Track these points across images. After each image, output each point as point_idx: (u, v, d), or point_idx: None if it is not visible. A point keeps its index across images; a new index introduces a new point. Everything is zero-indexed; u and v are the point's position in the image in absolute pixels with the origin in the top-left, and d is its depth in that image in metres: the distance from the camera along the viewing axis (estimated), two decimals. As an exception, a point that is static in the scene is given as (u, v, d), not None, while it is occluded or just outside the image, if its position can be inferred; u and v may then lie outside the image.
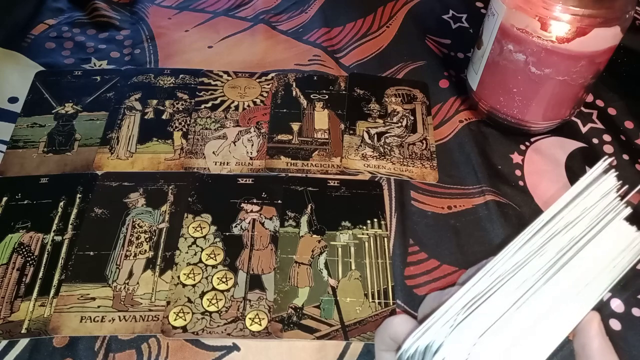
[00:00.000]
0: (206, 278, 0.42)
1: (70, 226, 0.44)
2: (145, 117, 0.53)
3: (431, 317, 0.22)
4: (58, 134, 0.51)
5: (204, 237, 0.44)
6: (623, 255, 0.24)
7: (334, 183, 0.49)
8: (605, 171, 0.25)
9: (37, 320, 0.39)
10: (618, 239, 0.24)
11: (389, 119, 0.55)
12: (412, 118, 0.55)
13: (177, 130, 0.52)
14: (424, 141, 0.53)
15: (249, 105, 0.55)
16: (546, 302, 0.22)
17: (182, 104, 0.54)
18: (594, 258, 0.23)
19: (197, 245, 0.44)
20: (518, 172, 0.51)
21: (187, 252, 0.43)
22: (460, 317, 0.21)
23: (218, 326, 0.39)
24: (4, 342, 0.38)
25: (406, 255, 0.44)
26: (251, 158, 0.51)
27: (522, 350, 0.21)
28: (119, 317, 0.39)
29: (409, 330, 0.24)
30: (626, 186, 0.25)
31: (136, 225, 0.45)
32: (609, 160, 0.25)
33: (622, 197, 0.25)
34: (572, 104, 0.51)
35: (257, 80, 0.57)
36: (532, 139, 0.54)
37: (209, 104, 0.55)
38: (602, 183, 0.24)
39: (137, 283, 0.41)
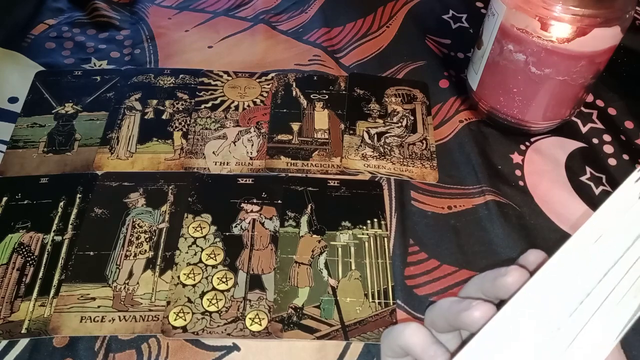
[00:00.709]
0: (206, 278, 0.42)
1: (70, 226, 0.44)
2: (145, 117, 0.53)
3: (464, 348, 0.20)
4: (58, 134, 0.51)
5: (204, 237, 0.44)
6: None
7: (334, 183, 0.49)
8: (637, 180, 0.23)
9: (37, 320, 0.39)
10: None
11: (389, 119, 0.55)
12: (412, 118, 0.55)
13: (177, 130, 0.52)
14: (424, 141, 0.53)
15: (249, 105, 0.55)
16: (582, 328, 0.20)
17: (182, 104, 0.54)
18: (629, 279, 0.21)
19: (197, 245, 0.44)
20: (518, 172, 0.51)
21: (187, 252, 0.43)
22: (497, 348, 0.20)
23: (218, 326, 0.39)
24: (4, 342, 0.38)
25: (406, 255, 0.44)
26: (251, 158, 0.51)
27: None
28: (119, 317, 0.39)
29: (422, 342, 0.23)
30: None
31: (136, 225, 0.45)
32: None
33: None
34: (572, 104, 0.51)
35: (257, 80, 0.57)
36: (532, 139, 0.54)
37: (209, 104, 0.55)
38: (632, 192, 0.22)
39: (137, 283, 0.41)
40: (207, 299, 0.40)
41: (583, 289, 0.21)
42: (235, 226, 0.45)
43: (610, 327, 0.21)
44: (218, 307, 0.40)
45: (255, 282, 0.42)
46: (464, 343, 0.24)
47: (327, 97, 0.56)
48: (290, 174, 0.49)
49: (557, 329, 0.20)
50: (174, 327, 0.39)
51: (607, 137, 0.55)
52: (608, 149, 0.54)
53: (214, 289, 0.41)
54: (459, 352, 0.20)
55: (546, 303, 0.21)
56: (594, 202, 0.49)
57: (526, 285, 0.21)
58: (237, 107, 0.55)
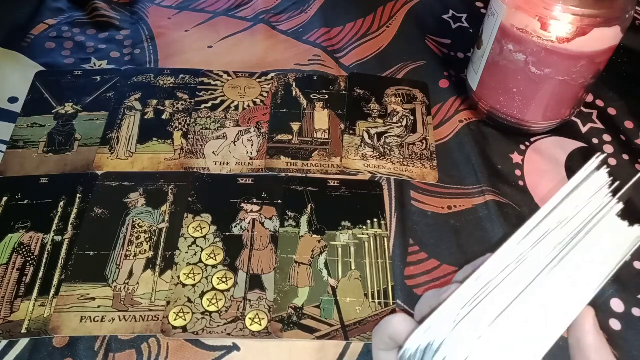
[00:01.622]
0: (206, 278, 0.42)
1: (70, 226, 0.44)
2: (145, 117, 0.53)
3: (432, 316, 0.22)
4: (58, 134, 0.51)
5: (204, 237, 0.44)
6: (617, 251, 0.24)
7: (334, 183, 0.49)
8: (598, 167, 0.25)
9: (37, 320, 0.39)
10: (611, 235, 0.24)
11: (389, 119, 0.55)
12: (412, 118, 0.55)
13: (177, 130, 0.52)
14: (424, 141, 0.53)
15: (249, 105, 0.55)
16: (543, 299, 0.22)
17: (182, 104, 0.54)
18: (588, 254, 0.24)
19: (197, 245, 0.44)
20: (518, 172, 0.51)
21: (187, 252, 0.43)
22: (461, 315, 0.21)
23: (218, 326, 0.39)
24: (4, 342, 0.38)
25: (406, 255, 0.44)
26: (251, 158, 0.51)
27: (521, 347, 0.21)
28: (119, 317, 0.39)
29: (408, 330, 0.24)
30: (618, 182, 0.25)
31: (136, 225, 0.45)
32: (603, 156, 0.25)
33: (615, 192, 0.25)
34: (572, 104, 0.51)
35: (257, 80, 0.58)
36: (532, 139, 0.54)
37: (209, 104, 0.55)
38: (595, 179, 0.25)
39: (137, 283, 0.41)
40: (207, 299, 0.40)
41: (545, 264, 0.23)
42: (235, 226, 0.45)
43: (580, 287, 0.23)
44: (218, 307, 0.40)
45: (255, 282, 0.42)
46: None
47: (327, 97, 0.56)
48: (290, 174, 0.49)
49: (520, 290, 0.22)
50: (174, 327, 0.39)
51: (607, 137, 0.55)
52: (608, 149, 0.54)
53: (214, 289, 0.41)
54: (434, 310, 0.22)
55: (509, 275, 0.23)
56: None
57: (491, 259, 0.23)
58: (237, 107, 0.55)
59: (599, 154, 0.25)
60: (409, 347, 0.21)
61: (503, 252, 0.23)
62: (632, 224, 0.25)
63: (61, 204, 0.45)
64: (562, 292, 0.23)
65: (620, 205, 0.25)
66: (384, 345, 0.26)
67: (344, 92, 0.57)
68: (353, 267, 0.43)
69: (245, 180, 0.48)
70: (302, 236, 0.45)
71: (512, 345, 0.21)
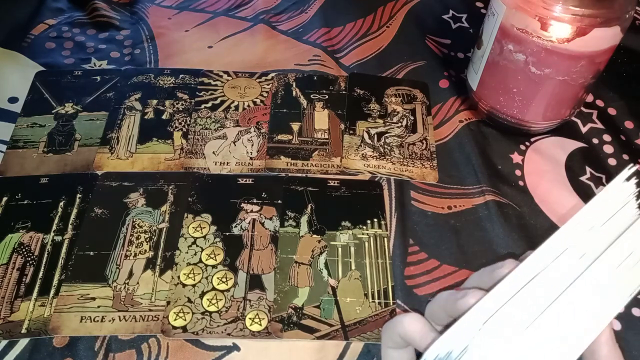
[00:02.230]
0: (206, 278, 0.42)
1: (70, 226, 0.44)
2: (145, 117, 0.53)
3: (453, 326, 0.21)
4: (58, 134, 0.51)
5: (204, 237, 0.44)
6: None
7: (334, 183, 0.49)
8: (628, 179, 0.25)
9: (37, 320, 0.39)
10: (638, 247, 0.24)
11: (389, 119, 0.55)
12: (412, 118, 0.55)
13: (177, 130, 0.52)
14: (424, 141, 0.53)
15: (249, 105, 0.55)
16: (568, 311, 0.22)
17: (182, 104, 0.54)
18: (614, 265, 0.23)
19: (197, 245, 0.44)
20: (518, 172, 0.51)
21: (187, 252, 0.43)
22: (484, 325, 0.21)
23: (218, 326, 0.39)
24: (4, 342, 0.38)
25: (406, 255, 0.44)
26: (251, 158, 0.51)
27: (546, 357, 0.21)
28: (119, 317, 0.39)
29: (419, 329, 0.24)
30: None
31: (136, 225, 0.45)
32: (634, 168, 0.25)
33: None
34: (572, 104, 0.51)
35: (257, 80, 0.58)
36: (532, 139, 0.54)
37: (209, 104, 0.55)
38: (624, 190, 0.24)
39: (137, 283, 0.41)
40: (207, 299, 0.40)
41: (570, 275, 0.23)
42: (235, 226, 0.45)
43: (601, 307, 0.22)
44: (218, 307, 0.40)
45: (255, 282, 0.42)
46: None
47: (327, 97, 0.56)
48: (290, 174, 0.49)
49: (541, 311, 0.22)
50: (174, 327, 0.39)
51: (607, 137, 0.55)
52: (608, 149, 0.54)
53: (214, 289, 0.41)
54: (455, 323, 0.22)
55: (533, 285, 0.22)
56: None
57: (514, 270, 0.23)
58: (237, 107, 0.55)
59: (630, 165, 0.25)
60: (428, 357, 0.21)
61: (529, 262, 0.23)
62: None
63: (61, 204, 0.45)
64: (589, 304, 0.22)
65: None
66: (394, 343, 0.26)
67: (344, 92, 0.57)
68: (353, 267, 0.43)
69: (245, 180, 0.48)
70: (302, 236, 0.45)
71: (535, 357, 0.21)
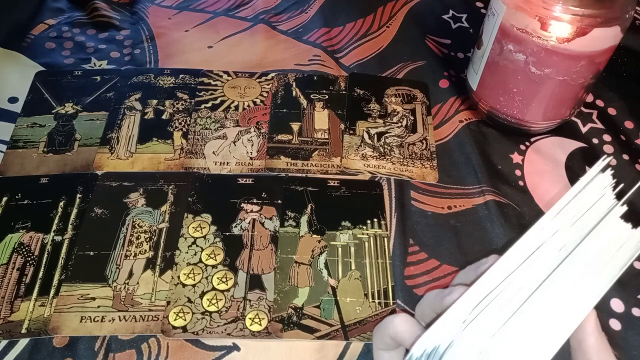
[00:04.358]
0: (206, 278, 0.42)
1: (70, 226, 0.44)
2: (145, 117, 0.53)
3: (438, 320, 0.22)
4: (58, 134, 0.51)
5: (204, 237, 0.44)
6: (621, 253, 0.24)
7: (334, 183, 0.49)
8: (603, 170, 0.25)
9: (37, 320, 0.39)
10: (615, 237, 0.24)
11: (389, 119, 0.55)
12: (412, 118, 0.55)
13: (177, 130, 0.52)
14: (424, 141, 0.53)
15: (249, 105, 0.55)
16: (549, 303, 0.22)
17: (182, 104, 0.54)
18: (592, 256, 0.23)
19: (197, 245, 0.44)
20: (518, 172, 0.51)
21: (187, 252, 0.43)
22: (467, 319, 0.21)
23: (218, 326, 0.39)
24: (4, 342, 0.38)
25: (406, 255, 0.44)
26: (251, 158, 0.51)
27: (527, 351, 0.21)
28: (119, 317, 0.39)
29: (409, 330, 0.24)
30: (622, 184, 0.25)
31: (136, 225, 0.45)
32: (608, 159, 0.25)
33: (619, 195, 0.25)
34: (572, 104, 0.51)
35: (257, 80, 0.58)
36: (532, 139, 0.54)
37: (209, 104, 0.55)
38: (598, 181, 0.25)
39: (137, 283, 0.41)
40: (207, 299, 0.40)
41: (550, 266, 0.23)
42: (235, 226, 0.45)
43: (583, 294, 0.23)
44: (218, 307, 0.40)
45: (255, 282, 0.42)
46: None
47: (327, 97, 0.56)
48: (290, 174, 0.49)
49: (524, 298, 0.22)
50: (174, 327, 0.39)
51: (607, 137, 0.55)
52: (608, 149, 0.54)
53: (214, 289, 0.41)
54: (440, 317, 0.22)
55: (514, 278, 0.23)
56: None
57: (495, 264, 0.23)
58: (237, 107, 0.55)
59: (604, 156, 0.25)
60: (415, 352, 0.21)
61: (509, 255, 0.23)
62: (635, 226, 0.25)
63: (61, 204, 0.45)
64: (568, 295, 0.23)
65: (624, 208, 0.25)
66: (385, 345, 0.26)
67: (344, 92, 0.57)
68: (353, 267, 0.43)
69: (245, 180, 0.48)
70: (302, 236, 0.45)
71: (519, 349, 0.21)
